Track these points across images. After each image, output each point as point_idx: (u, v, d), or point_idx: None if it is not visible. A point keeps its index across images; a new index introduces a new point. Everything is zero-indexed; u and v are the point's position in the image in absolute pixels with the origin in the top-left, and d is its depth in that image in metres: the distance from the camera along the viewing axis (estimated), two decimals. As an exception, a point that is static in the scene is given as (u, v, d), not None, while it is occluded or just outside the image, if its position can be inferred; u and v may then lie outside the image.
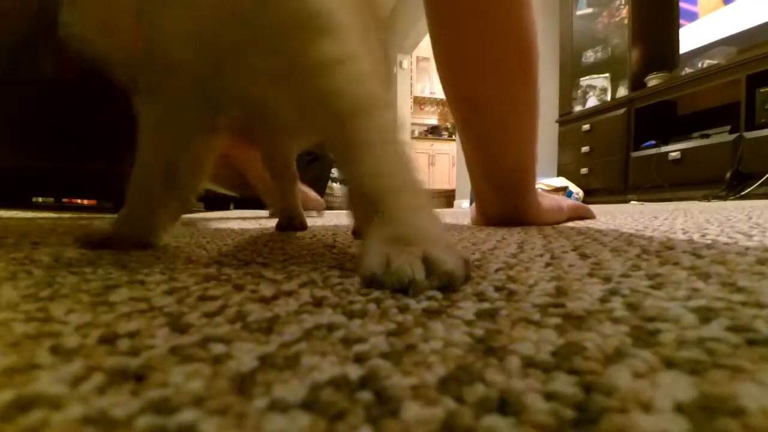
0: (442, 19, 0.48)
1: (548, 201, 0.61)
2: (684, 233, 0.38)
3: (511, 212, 0.57)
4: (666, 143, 2.33)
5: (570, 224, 0.57)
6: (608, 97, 2.83)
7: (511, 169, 0.55)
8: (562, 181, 2.53)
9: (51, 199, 1.61)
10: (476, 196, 0.62)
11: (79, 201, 1.75)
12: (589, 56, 2.97)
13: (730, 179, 1.93)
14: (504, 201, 0.57)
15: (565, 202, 0.66)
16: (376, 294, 0.17)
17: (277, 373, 0.10)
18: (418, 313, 0.15)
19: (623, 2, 2.70)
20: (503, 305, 0.15)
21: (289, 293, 0.18)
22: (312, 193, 1.03)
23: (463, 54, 0.50)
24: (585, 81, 2.95)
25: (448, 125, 6.54)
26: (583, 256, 0.26)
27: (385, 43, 0.37)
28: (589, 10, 2.98)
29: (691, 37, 2.47)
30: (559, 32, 3.13)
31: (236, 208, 2.25)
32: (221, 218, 0.99)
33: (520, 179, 0.56)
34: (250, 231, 0.53)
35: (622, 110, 2.60)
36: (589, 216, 0.70)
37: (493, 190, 0.58)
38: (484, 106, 0.52)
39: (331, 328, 0.13)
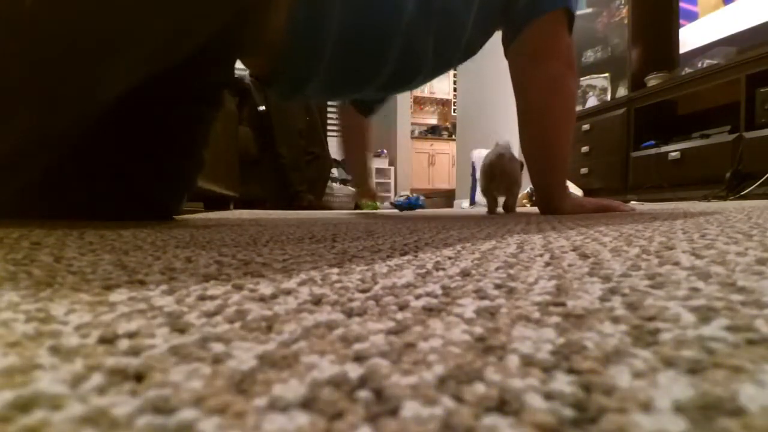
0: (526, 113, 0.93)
1: (574, 201, 0.97)
2: (684, 233, 0.38)
3: (551, 209, 0.95)
4: (666, 143, 2.33)
5: (570, 225, 0.57)
6: (608, 97, 2.82)
7: (550, 186, 0.95)
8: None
9: None
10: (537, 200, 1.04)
11: None
12: (589, 56, 2.97)
13: (730, 179, 1.93)
14: (543, 203, 0.98)
15: (590, 202, 0.97)
16: (375, 291, 0.17)
17: (276, 372, 0.10)
18: (417, 310, 0.15)
19: (623, 2, 2.70)
20: (503, 303, 0.15)
21: (288, 292, 0.18)
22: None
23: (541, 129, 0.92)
24: (585, 81, 2.95)
25: (448, 125, 6.53)
26: (583, 256, 0.26)
27: None
28: (589, 10, 2.98)
29: (691, 37, 2.46)
30: (559, 32, 3.12)
31: (235, 208, 2.25)
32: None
33: (553, 192, 0.94)
34: (250, 231, 0.53)
35: (622, 110, 2.60)
36: (617, 209, 0.94)
37: (539, 197, 0.98)
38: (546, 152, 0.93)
39: (330, 326, 0.13)
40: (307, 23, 0.72)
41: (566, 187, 0.97)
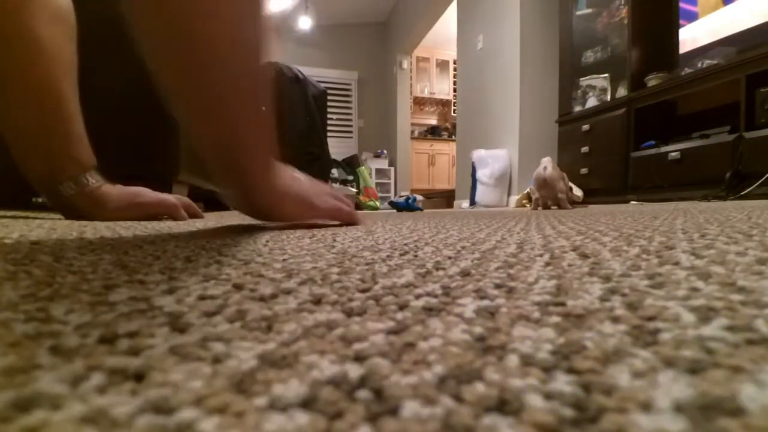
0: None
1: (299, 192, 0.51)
2: (684, 233, 0.38)
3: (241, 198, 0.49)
4: (666, 143, 2.34)
5: (570, 224, 0.57)
6: (608, 97, 2.83)
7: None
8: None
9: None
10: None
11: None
12: (589, 56, 2.97)
13: (730, 179, 1.93)
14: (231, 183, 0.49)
15: (325, 201, 0.56)
16: (375, 291, 0.17)
17: (276, 372, 0.10)
18: (417, 310, 0.15)
19: (623, 2, 2.70)
20: (503, 303, 0.15)
21: (288, 292, 0.18)
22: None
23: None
24: (585, 81, 2.95)
25: (448, 125, 6.54)
26: (583, 256, 0.26)
27: None
28: (589, 10, 2.98)
29: (691, 37, 2.46)
30: (559, 32, 3.13)
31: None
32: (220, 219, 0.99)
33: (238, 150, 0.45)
34: (250, 231, 0.53)
35: (621, 110, 2.60)
36: (356, 222, 0.60)
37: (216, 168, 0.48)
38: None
39: (330, 326, 0.13)
40: None
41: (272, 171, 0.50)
